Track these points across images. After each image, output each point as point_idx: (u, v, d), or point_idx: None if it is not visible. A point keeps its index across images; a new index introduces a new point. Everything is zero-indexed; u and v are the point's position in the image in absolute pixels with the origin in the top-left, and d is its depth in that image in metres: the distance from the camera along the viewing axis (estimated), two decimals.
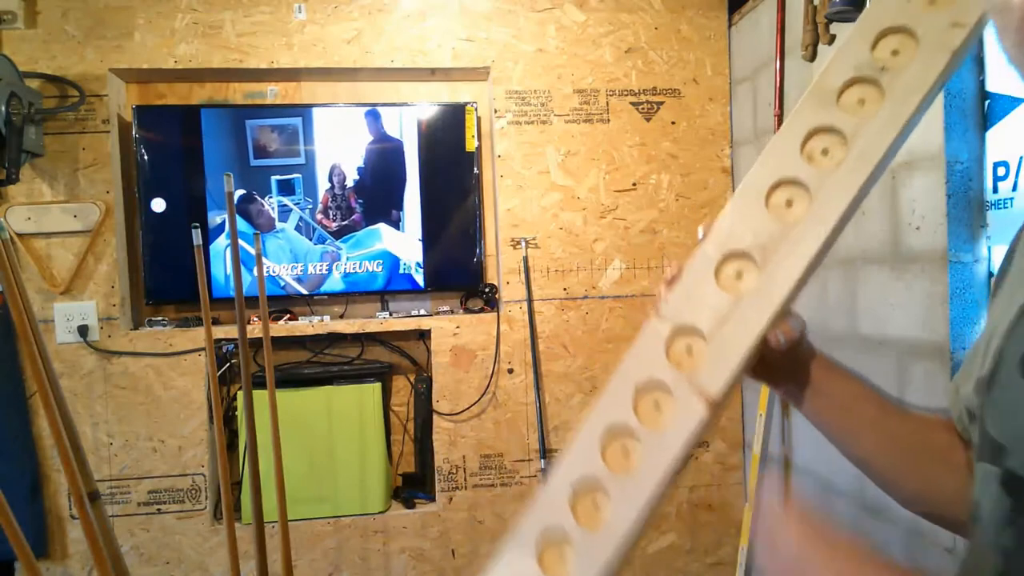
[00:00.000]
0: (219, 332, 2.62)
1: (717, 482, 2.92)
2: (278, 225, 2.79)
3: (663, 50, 2.92)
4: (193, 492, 2.68)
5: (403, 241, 2.86)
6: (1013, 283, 0.73)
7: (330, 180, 2.82)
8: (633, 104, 2.91)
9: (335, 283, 2.83)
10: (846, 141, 0.66)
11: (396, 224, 2.85)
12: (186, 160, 2.76)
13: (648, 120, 2.91)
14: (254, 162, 2.79)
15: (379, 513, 2.77)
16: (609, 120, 2.89)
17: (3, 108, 2.38)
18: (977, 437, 0.67)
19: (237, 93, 2.92)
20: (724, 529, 2.93)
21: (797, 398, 0.83)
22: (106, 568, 1.98)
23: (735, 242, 0.67)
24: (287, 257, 2.80)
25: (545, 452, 2.82)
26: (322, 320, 2.81)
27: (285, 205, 2.80)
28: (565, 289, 2.87)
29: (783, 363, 0.80)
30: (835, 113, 0.67)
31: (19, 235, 2.58)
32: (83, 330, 2.60)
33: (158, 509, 2.68)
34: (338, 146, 2.83)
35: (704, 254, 0.68)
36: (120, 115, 2.77)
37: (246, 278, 2.54)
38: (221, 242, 2.78)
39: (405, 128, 2.85)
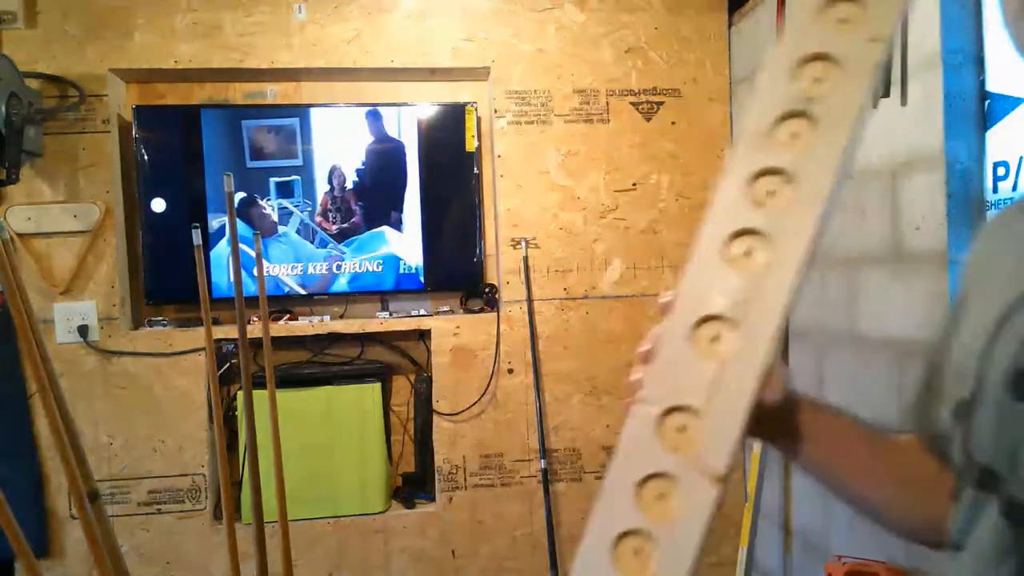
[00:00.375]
0: (219, 332, 2.62)
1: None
2: (280, 229, 2.79)
3: (663, 50, 2.92)
4: (193, 492, 2.68)
5: (404, 241, 2.86)
6: (978, 299, 0.72)
7: (329, 182, 2.82)
8: (633, 104, 2.91)
9: (336, 284, 2.83)
10: (791, 179, 0.64)
11: (397, 225, 2.85)
12: (186, 160, 2.76)
13: (648, 120, 2.91)
14: (253, 163, 2.79)
15: (379, 513, 2.77)
16: (609, 120, 2.89)
17: (3, 108, 2.38)
18: (961, 462, 0.65)
19: (237, 93, 2.92)
20: (724, 529, 2.92)
21: (794, 450, 0.79)
22: (106, 568, 1.98)
23: (705, 307, 0.64)
24: (290, 261, 2.80)
25: (545, 452, 2.82)
26: (322, 320, 2.81)
27: (285, 208, 2.80)
28: (565, 289, 2.87)
29: (776, 416, 0.76)
30: (772, 153, 0.65)
31: (19, 235, 2.58)
32: (83, 330, 2.60)
33: (158, 509, 2.68)
34: (338, 147, 2.83)
35: (675, 325, 0.65)
36: (120, 115, 2.77)
37: (246, 279, 2.54)
38: (222, 245, 2.77)
39: (405, 128, 2.85)
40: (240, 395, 2.70)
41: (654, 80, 2.92)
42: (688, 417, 0.62)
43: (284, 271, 2.79)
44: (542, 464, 2.81)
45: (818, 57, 0.65)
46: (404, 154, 2.86)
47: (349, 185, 2.82)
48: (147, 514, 2.67)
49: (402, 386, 2.98)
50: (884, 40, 0.64)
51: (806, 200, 0.63)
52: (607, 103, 2.90)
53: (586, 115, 2.89)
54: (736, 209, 0.65)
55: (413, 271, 2.86)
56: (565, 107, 2.88)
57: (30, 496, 2.55)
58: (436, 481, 2.82)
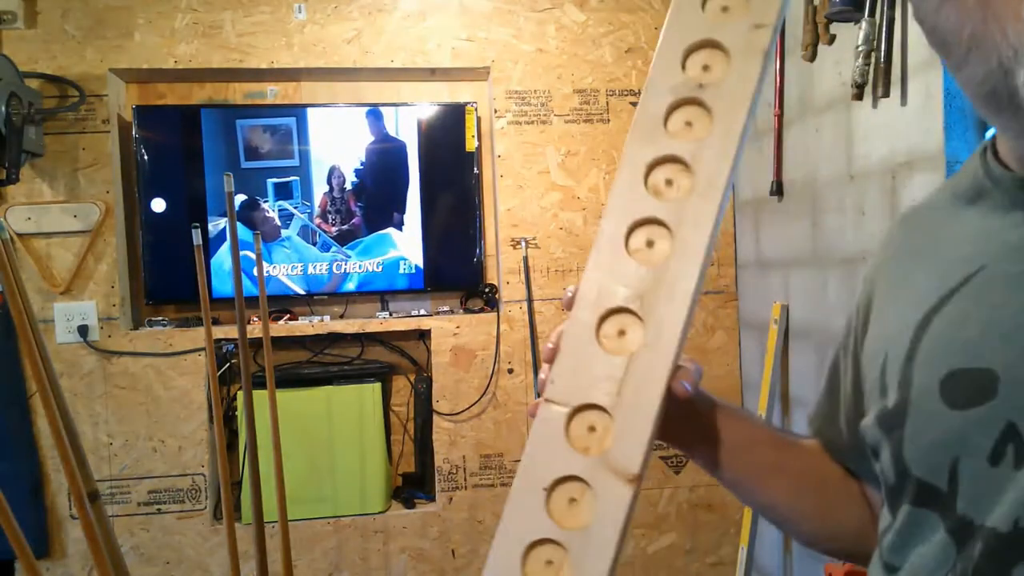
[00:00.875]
0: (219, 332, 2.62)
1: (716, 481, 2.92)
2: (282, 233, 2.79)
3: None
4: (193, 492, 2.68)
5: (404, 241, 2.86)
6: (889, 305, 0.69)
7: (329, 182, 2.82)
8: (633, 104, 2.90)
9: (336, 284, 2.83)
10: (688, 167, 0.63)
11: (398, 225, 2.85)
12: (186, 160, 2.76)
13: None
14: (252, 164, 2.79)
15: (379, 513, 2.77)
16: (609, 120, 2.89)
17: (3, 108, 2.38)
18: (892, 477, 0.62)
19: (237, 93, 2.92)
20: (724, 529, 2.93)
21: (710, 458, 0.76)
22: (106, 568, 1.98)
23: (608, 300, 0.62)
24: (292, 262, 2.80)
25: None
26: (322, 320, 2.81)
27: (286, 210, 2.80)
28: (565, 289, 2.86)
29: (689, 417, 0.73)
30: (667, 141, 0.64)
31: (19, 235, 2.58)
32: (83, 330, 2.60)
33: (158, 509, 2.68)
34: (337, 147, 2.83)
35: (578, 321, 0.63)
36: (120, 115, 2.77)
37: (247, 280, 2.55)
38: (222, 247, 2.77)
39: (405, 128, 2.85)
40: (240, 395, 2.70)
41: None
42: (597, 416, 0.60)
43: (284, 272, 2.79)
44: None
45: (706, 44, 0.65)
46: (404, 154, 2.86)
47: (348, 186, 2.82)
48: (147, 514, 2.67)
49: (402, 386, 2.98)
50: (769, 26, 0.63)
51: (705, 188, 0.62)
52: (607, 103, 2.89)
53: (586, 115, 2.89)
54: (635, 200, 0.64)
55: (413, 271, 2.86)
56: (565, 107, 2.88)
57: (30, 496, 2.55)
58: (436, 481, 2.82)
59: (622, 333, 0.62)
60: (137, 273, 2.79)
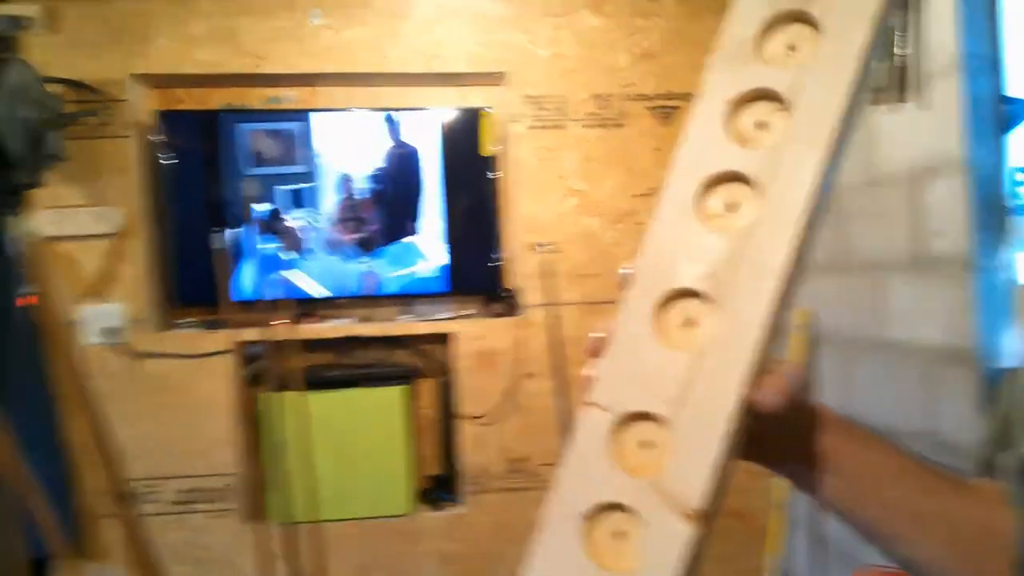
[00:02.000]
0: (245, 335, 2.64)
1: (744, 488, 2.94)
2: (305, 241, 2.81)
3: (679, 54, 2.95)
4: (223, 492, 2.69)
5: (425, 246, 2.88)
6: None
7: (345, 189, 2.84)
8: (649, 109, 2.93)
9: (360, 288, 2.85)
10: (786, 104, 0.48)
11: (417, 230, 2.88)
12: (206, 164, 2.79)
13: (665, 125, 2.94)
14: (272, 169, 2.81)
15: (406, 515, 2.78)
16: (625, 125, 2.92)
17: (26, 114, 2.39)
18: None
19: (255, 98, 2.94)
20: (751, 536, 2.93)
21: (807, 481, 0.56)
22: (141, 568, 2.00)
23: (672, 280, 0.48)
24: (316, 268, 2.82)
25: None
26: (346, 323, 2.83)
27: (306, 217, 2.82)
28: (586, 294, 2.89)
29: (781, 432, 0.54)
30: (760, 70, 0.49)
31: (46, 239, 2.59)
32: (111, 332, 2.62)
33: (189, 509, 2.69)
34: (353, 153, 2.85)
35: (633, 306, 0.50)
36: (142, 120, 2.79)
37: (272, 283, 2.57)
38: (246, 249, 2.79)
39: (422, 134, 2.88)
40: (267, 397, 2.71)
41: (670, 84, 2.95)
42: (653, 428, 0.47)
43: (308, 276, 2.81)
44: None
45: None
46: (422, 160, 2.88)
47: (366, 192, 2.85)
48: (178, 514, 2.69)
49: (426, 389, 3.00)
50: None
51: (808, 133, 0.47)
52: (623, 108, 2.92)
53: (602, 120, 2.91)
54: (712, 149, 0.50)
55: (435, 275, 2.89)
56: (581, 112, 2.90)
57: (62, 496, 2.56)
58: (462, 484, 2.84)
59: (689, 323, 0.48)
60: (163, 276, 2.81)
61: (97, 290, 2.66)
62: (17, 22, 2.61)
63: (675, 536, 0.44)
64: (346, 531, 2.74)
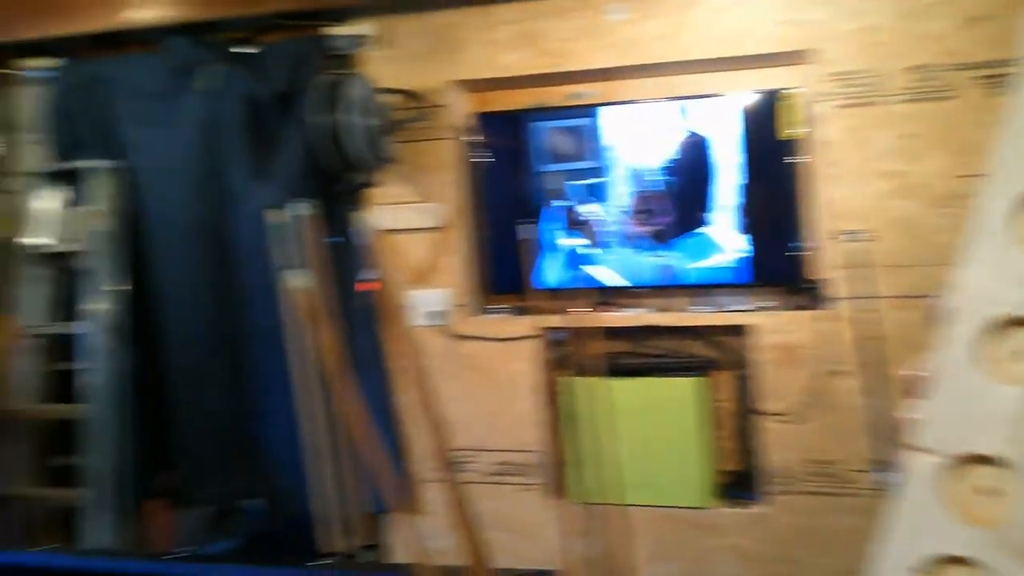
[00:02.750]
0: (548, 321, 2.80)
1: None
2: (602, 234, 2.91)
3: (1014, 16, 2.59)
4: (528, 468, 2.88)
5: (721, 235, 2.84)
6: None
7: (638, 182, 2.88)
8: (978, 79, 2.62)
9: (655, 277, 2.89)
10: None
11: (713, 220, 2.84)
12: (512, 161, 2.99)
13: (997, 96, 2.60)
14: (565, 165, 2.94)
15: (702, 508, 2.76)
16: (949, 98, 2.63)
17: (365, 122, 2.73)
18: None
19: (557, 96, 3.08)
20: None
21: None
22: (463, 529, 2.20)
23: (997, 308, 0.45)
24: (612, 259, 2.91)
25: (879, 464, 2.60)
26: (642, 313, 2.87)
27: (600, 209, 2.91)
28: (904, 286, 2.64)
29: None
30: None
31: (382, 231, 2.95)
32: (435, 315, 2.93)
33: (499, 480, 2.91)
34: (645, 145, 2.88)
35: (956, 339, 0.46)
36: (458, 122, 3.04)
37: (570, 273, 2.69)
38: (552, 241, 2.96)
39: (719, 120, 2.83)
40: (568, 381, 2.83)
41: (1004, 51, 2.60)
42: (991, 472, 0.43)
43: (607, 268, 2.90)
44: (874, 476, 2.61)
45: None
46: (719, 147, 2.83)
47: (659, 184, 2.87)
48: (489, 483, 2.92)
49: (723, 381, 2.95)
50: None
51: None
52: (946, 79, 2.63)
53: (921, 94, 2.65)
54: None
55: (733, 266, 2.83)
56: (895, 86, 2.66)
57: (395, 459, 2.90)
58: (761, 482, 2.75)
59: (1018, 355, 0.44)
60: (479, 265, 3.05)
61: (423, 277, 2.97)
62: (356, 41, 3.00)
63: None
64: (640, 516, 2.79)
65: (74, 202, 2.97)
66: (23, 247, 2.99)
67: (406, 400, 2.85)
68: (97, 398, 2.84)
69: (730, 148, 2.82)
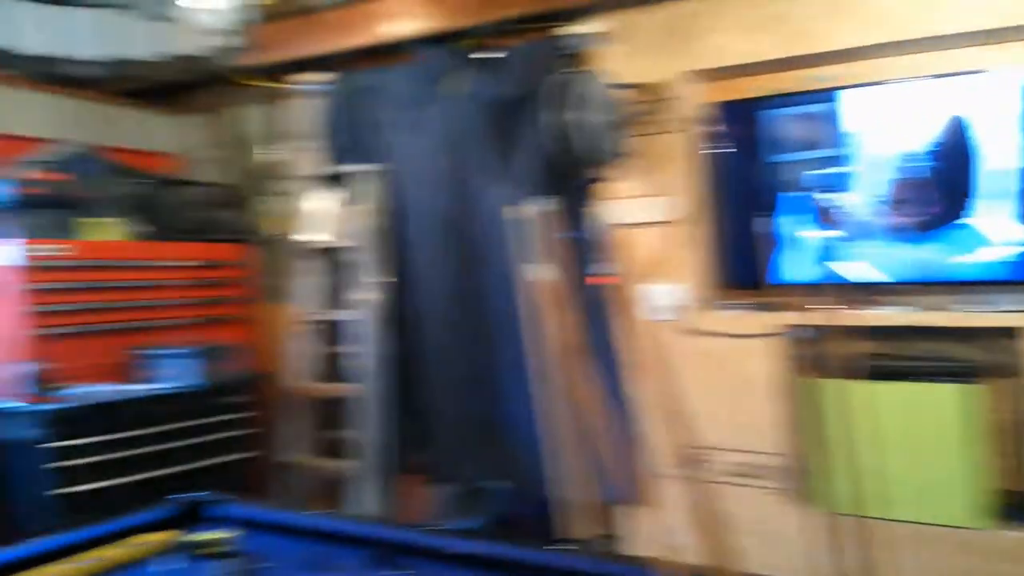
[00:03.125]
0: (789, 318, 2.68)
1: None
2: (845, 224, 2.74)
3: None
4: (768, 471, 2.78)
5: (987, 227, 2.56)
6: None
7: (897, 168, 2.66)
8: None
9: (908, 273, 2.68)
10: None
11: (979, 210, 2.57)
12: (749, 152, 2.88)
13: None
14: (805, 153, 2.79)
15: (975, 529, 2.50)
16: None
17: (592, 118, 2.75)
18: None
19: (796, 82, 2.92)
20: None
21: None
22: (705, 529, 2.17)
23: None
24: (865, 252, 2.74)
25: None
26: (899, 311, 2.66)
27: (845, 200, 2.73)
28: None
29: None
30: None
31: (616, 226, 2.98)
32: (669, 310, 2.92)
33: (740, 481, 2.83)
34: (897, 129, 2.65)
35: None
36: (694, 113, 2.99)
37: (810, 266, 2.54)
38: (787, 233, 2.83)
39: (989, 99, 2.53)
40: (811, 382, 2.68)
41: None
42: None
43: (852, 262, 2.74)
44: None
45: None
46: (988, 129, 2.53)
47: (913, 172, 2.63)
48: (729, 484, 2.85)
49: (995, 390, 2.63)
50: None
51: None
52: None
53: None
54: None
55: (1009, 260, 2.55)
56: None
57: (629, 451, 2.93)
58: None
59: None
60: (716, 259, 3.00)
61: (657, 271, 2.96)
62: (584, 40, 3.03)
63: None
64: (896, 532, 2.56)
65: (346, 202, 3.32)
66: (300, 243, 3.40)
67: (641, 394, 2.85)
68: (366, 379, 3.16)
69: (1004, 129, 2.51)
